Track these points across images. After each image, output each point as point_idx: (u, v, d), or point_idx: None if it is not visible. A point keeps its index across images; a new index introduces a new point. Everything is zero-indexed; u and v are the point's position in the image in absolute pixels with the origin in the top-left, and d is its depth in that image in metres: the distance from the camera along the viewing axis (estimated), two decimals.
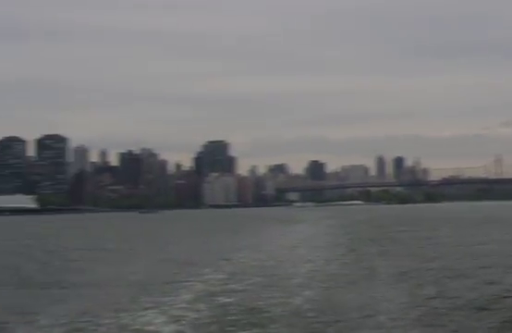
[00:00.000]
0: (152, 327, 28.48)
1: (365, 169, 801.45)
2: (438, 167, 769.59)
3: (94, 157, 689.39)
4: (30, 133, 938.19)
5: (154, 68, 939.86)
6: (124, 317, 30.83)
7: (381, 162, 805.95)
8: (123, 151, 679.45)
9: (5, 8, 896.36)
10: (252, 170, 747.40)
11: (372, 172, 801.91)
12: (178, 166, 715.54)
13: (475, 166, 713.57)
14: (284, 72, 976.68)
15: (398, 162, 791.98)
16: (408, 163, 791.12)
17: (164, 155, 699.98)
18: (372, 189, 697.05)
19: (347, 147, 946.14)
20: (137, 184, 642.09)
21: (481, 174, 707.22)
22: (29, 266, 58.86)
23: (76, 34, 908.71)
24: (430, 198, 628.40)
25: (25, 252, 79.68)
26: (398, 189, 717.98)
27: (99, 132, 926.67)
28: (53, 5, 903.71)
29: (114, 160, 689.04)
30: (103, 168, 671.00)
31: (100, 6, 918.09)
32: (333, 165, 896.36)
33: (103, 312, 32.42)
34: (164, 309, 32.49)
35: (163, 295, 37.01)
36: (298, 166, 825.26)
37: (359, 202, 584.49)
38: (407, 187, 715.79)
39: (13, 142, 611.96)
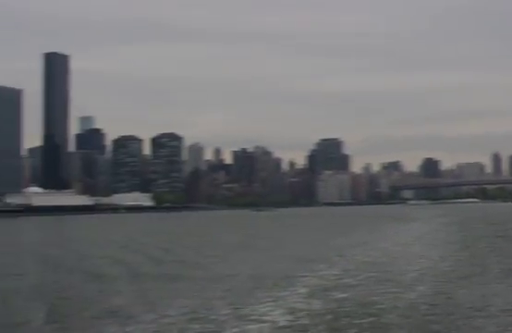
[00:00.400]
0: (268, 318, 30.04)
1: (481, 167, 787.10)
2: None
3: (209, 155, 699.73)
4: (146, 132, 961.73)
5: (269, 68, 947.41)
6: (242, 309, 32.48)
7: (497, 159, 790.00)
8: (237, 149, 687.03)
9: (141, 11, 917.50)
10: (366, 168, 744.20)
11: (488, 169, 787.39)
12: (292, 164, 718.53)
13: None
14: (399, 70, 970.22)
15: None
16: None
17: (277, 153, 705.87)
18: (488, 186, 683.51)
19: (462, 144, 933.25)
20: (251, 182, 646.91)
21: None
22: (145, 263, 61.28)
23: (191, 35, 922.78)
24: None
25: (141, 248, 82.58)
26: None
27: (213, 130, 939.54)
28: (171, 5, 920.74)
29: (228, 158, 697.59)
30: (218, 166, 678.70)
31: (222, 7, 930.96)
32: (447, 162, 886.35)
33: (223, 304, 34.19)
34: (281, 302, 33.92)
35: (280, 289, 38.44)
36: (412, 164, 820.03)
37: (474, 199, 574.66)
38: None
39: (129, 141, 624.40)
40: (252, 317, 30.43)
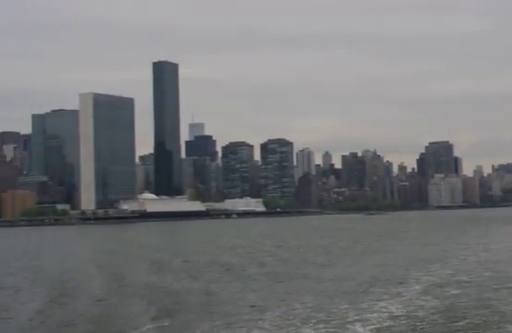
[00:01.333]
0: (386, 310, 32.92)
1: None
2: None
3: (318, 160, 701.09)
4: (256, 138, 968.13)
5: (376, 71, 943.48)
6: (361, 304, 35.39)
7: None
8: (346, 153, 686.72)
9: (244, 19, 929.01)
10: (477, 171, 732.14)
11: None
12: (402, 167, 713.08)
13: None
14: (507, 72, 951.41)
15: None
16: None
17: (387, 157, 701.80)
18: None
19: None
20: (361, 186, 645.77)
21: None
22: (272, 262, 64.75)
23: (295, 40, 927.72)
24: None
25: (260, 247, 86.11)
26: None
27: (322, 135, 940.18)
28: (273, 12, 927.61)
29: (337, 162, 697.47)
30: (328, 171, 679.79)
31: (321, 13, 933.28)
32: None
33: (342, 299, 37.16)
34: (398, 299, 36.58)
35: (396, 286, 41.03)
36: None
37: None
38: None
39: (239, 147, 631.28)
40: (373, 309, 33.40)
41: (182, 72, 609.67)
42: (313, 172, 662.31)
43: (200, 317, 34.66)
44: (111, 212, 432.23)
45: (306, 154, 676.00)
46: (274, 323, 31.93)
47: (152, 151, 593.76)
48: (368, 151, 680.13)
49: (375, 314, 32.37)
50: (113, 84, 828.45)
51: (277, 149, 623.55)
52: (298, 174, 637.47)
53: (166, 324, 33.38)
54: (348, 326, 30.34)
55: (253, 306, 37.25)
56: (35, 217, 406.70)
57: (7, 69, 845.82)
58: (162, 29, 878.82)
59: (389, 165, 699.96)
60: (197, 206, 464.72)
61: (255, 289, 44.69)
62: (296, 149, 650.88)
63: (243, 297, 41.39)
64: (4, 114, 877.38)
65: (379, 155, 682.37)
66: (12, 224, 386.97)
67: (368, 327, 29.92)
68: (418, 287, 40.90)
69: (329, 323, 31.13)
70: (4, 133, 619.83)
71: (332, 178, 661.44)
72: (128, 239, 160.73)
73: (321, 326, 30.64)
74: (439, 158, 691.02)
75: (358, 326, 30.06)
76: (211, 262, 68.07)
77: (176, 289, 47.09)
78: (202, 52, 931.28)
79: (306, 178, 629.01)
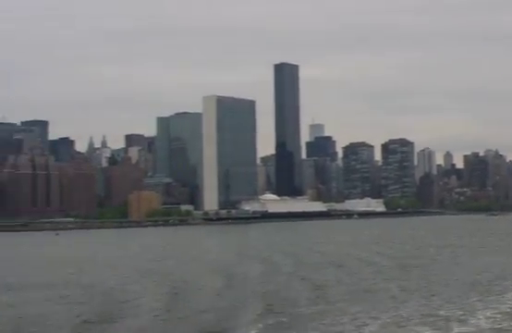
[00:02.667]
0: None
1: None
2: None
3: (439, 160, 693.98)
4: (376, 138, 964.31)
5: (505, 69, 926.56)
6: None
7: None
8: (468, 153, 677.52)
9: (363, 18, 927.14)
10: None
11: None
12: None
13: None
14: None
15: None
16: None
17: (510, 156, 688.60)
18: None
19: None
20: (483, 186, 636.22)
21: None
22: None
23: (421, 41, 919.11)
24: None
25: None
26: None
27: (442, 135, 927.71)
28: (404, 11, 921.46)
29: (459, 162, 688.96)
30: (449, 171, 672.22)
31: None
32: None
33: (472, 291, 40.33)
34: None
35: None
36: None
37: None
38: None
39: (359, 148, 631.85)
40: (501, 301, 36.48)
41: (302, 73, 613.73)
42: (434, 172, 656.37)
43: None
44: (233, 212, 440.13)
45: (427, 154, 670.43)
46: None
47: (272, 152, 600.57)
48: (490, 150, 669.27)
49: (504, 305, 35.41)
50: (234, 86, 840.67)
51: (398, 149, 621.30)
52: (418, 174, 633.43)
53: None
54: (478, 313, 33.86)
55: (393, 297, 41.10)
56: (160, 218, 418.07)
57: (133, 73, 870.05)
58: (281, 30, 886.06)
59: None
60: (318, 207, 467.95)
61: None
62: (416, 149, 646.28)
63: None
64: (129, 116, 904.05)
65: (501, 155, 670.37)
66: (138, 224, 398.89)
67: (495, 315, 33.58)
68: None
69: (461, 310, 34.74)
70: (129, 136, 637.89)
71: (453, 178, 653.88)
72: (253, 238, 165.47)
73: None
74: None
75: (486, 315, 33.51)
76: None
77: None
78: (321, 52, 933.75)
79: (427, 178, 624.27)
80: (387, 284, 48.30)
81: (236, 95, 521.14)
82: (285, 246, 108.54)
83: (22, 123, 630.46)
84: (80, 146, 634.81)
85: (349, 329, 32.03)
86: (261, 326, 33.55)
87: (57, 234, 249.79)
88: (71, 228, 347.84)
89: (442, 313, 35.16)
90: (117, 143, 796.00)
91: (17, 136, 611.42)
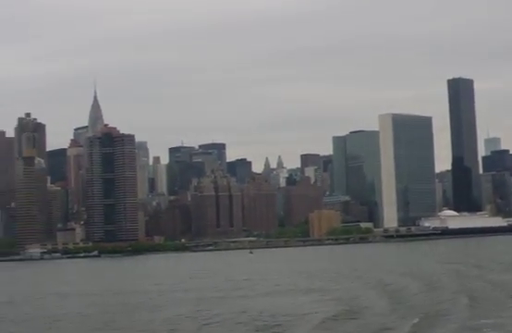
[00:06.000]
0: None
1: None
2: None
3: None
4: None
5: None
6: None
7: None
8: None
9: None
10: None
11: None
12: None
13: None
14: None
15: None
16: None
17: None
18: None
19: None
20: None
21: None
22: None
23: None
24: None
25: None
26: None
27: None
28: None
29: None
30: None
31: None
32: None
33: None
34: None
35: None
36: None
37: None
38: None
39: None
40: None
41: (477, 87, 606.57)
42: None
43: None
44: (413, 229, 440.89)
45: None
46: None
47: (448, 167, 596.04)
48: None
49: None
50: (408, 102, 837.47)
51: None
52: None
53: None
54: None
55: None
56: (341, 236, 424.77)
57: (306, 92, 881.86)
58: (454, 43, 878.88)
59: None
60: (498, 222, 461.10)
61: None
62: None
63: None
64: (302, 136, 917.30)
65: None
66: (319, 243, 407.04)
67: None
68: None
69: None
70: (304, 155, 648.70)
71: None
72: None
73: None
74: None
75: None
76: None
77: None
78: (497, 65, 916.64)
79: None
80: None
81: (410, 111, 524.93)
82: None
83: (200, 146, 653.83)
84: (256, 167, 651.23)
85: None
86: None
87: (251, 252, 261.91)
88: (256, 247, 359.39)
89: None
90: (293, 163, 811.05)
91: (196, 159, 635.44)
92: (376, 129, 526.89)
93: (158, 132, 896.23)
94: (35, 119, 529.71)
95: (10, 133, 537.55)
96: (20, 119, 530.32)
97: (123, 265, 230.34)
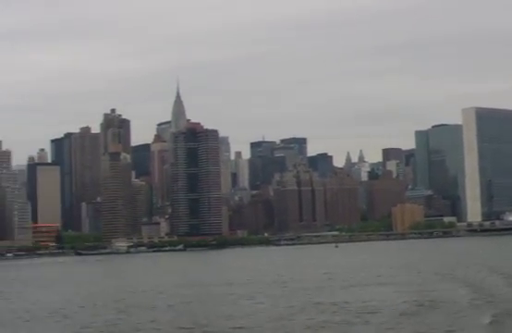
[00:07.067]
0: None
1: None
2: None
3: None
4: None
5: None
6: None
7: None
8: None
9: None
10: None
11: None
12: None
13: None
14: None
15: None
16: None
17: None
18: None
19: None
20: None
21: None
22: None
23: None
24: None
25: None
26: None
27: None
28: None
29: None
30: None
31: None
32: None
33: None
34: None
35: None
36: None
37: None
38: None
39: None
40: None
41: None
42: None
43: None
44: (497, 223, 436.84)
45: None
46: None
47: None
48: None
49: None
50: (493, 95, 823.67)
51: None
52: None
53: None
54: None
55: None
56: (424, 230, 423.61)
57: (388, 86, 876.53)
58: None
59: None
60: None
61: None
62: None
63: None
64: (383, 130, 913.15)
65: None
66: (402, 237, 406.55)
67: None
68: None
69: None
70: (386, 150, 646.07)
71: None
72: None
73: None
74: None
75: None
76: None
77: None
78: None
79: None
80: None
81: (496, 106, 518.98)
82: None
83: (281, 141, 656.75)
84: (337, 161, 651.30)
85: None
86: None
87: (337, 246, 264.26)
88: (339, 241, 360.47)
89: None
90: (374, 157, 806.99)
91: (278, 154, 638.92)
92: (459, 122, 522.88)
93: (239, 127, 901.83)
94: (120, 115, 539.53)
95: (96, 129, 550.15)
96: (106, 115, 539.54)
97: (219, 258, 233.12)
